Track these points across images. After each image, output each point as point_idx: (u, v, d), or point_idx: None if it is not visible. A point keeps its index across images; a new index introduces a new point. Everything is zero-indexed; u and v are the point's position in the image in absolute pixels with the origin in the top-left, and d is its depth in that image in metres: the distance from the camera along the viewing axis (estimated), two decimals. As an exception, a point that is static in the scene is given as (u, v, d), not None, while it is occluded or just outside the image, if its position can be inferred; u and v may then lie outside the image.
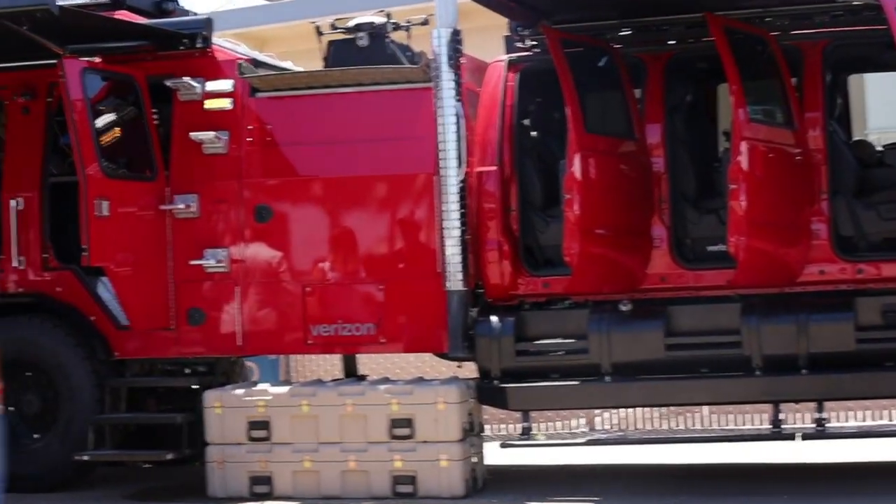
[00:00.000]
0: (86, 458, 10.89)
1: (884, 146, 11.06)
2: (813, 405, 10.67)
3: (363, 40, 11.26)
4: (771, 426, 10.85)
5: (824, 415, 10.77)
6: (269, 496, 10.40)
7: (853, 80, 11.15)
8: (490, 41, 11.49)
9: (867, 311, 9.84)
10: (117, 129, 11.16)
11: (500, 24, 11.23)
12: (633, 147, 10.48)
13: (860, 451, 11.60)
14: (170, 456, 10.91)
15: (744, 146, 9.52)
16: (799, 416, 11.70)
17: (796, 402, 10.68)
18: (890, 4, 9.13)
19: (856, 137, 11.27)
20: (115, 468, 11.59)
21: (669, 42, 10.81)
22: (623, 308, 10.35)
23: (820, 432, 10.84)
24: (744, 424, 12.63)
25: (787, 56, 10.23)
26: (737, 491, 10.18)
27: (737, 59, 9.65)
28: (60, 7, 10.05)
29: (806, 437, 10.91)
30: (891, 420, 12.17)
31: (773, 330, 9.96)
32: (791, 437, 10.65)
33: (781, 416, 10.60)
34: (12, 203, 11.11)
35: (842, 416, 12.38)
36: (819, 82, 10.33)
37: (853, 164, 10.50)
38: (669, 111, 10.67)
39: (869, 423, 12.27)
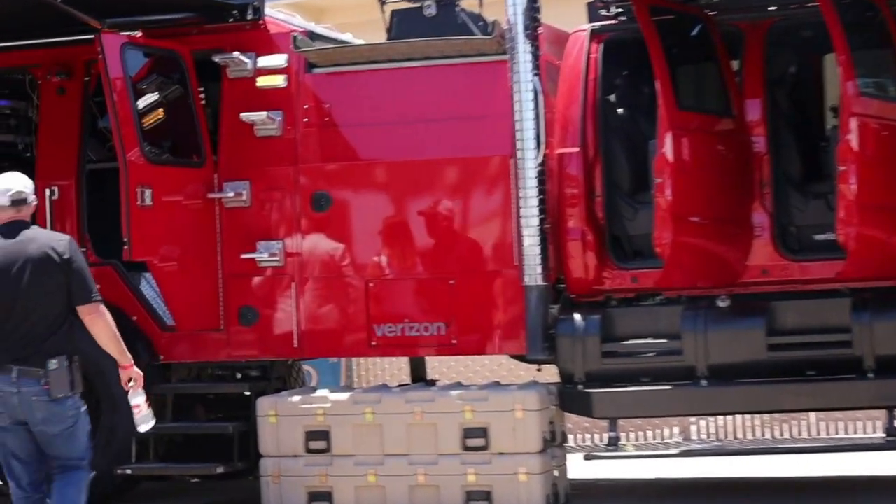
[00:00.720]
0: (129, 471, 10.86)
1: None
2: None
3: (430, 9, 11.10)
4: (885, 434, 10.68)
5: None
6: None
7: None
8: (571, 9, 11.38)
9: None
10: (161, 111, 11.07)
11: (575, -2, 11.03)
12: (731, 125, 10.31)
13: None
14: (220, 469, 10.82)
15: (853, 123, 9.41)
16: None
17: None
18: None
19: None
20: (160, 483, 11.62)
21: (770, 8, 10.56)
22: (720, 304, 10.21)
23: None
24: (855, 433, 12.44)
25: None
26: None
27: (846, 26, 9.45)
28: None
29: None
30: None
31: (888, 327, 9.76)
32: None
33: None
34: (46, 192, 10.94)
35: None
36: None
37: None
38: (771, 85, 10.52)
39: None
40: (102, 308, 8.41)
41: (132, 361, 8.31)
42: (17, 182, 8.54)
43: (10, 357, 8.03)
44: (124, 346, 8.35)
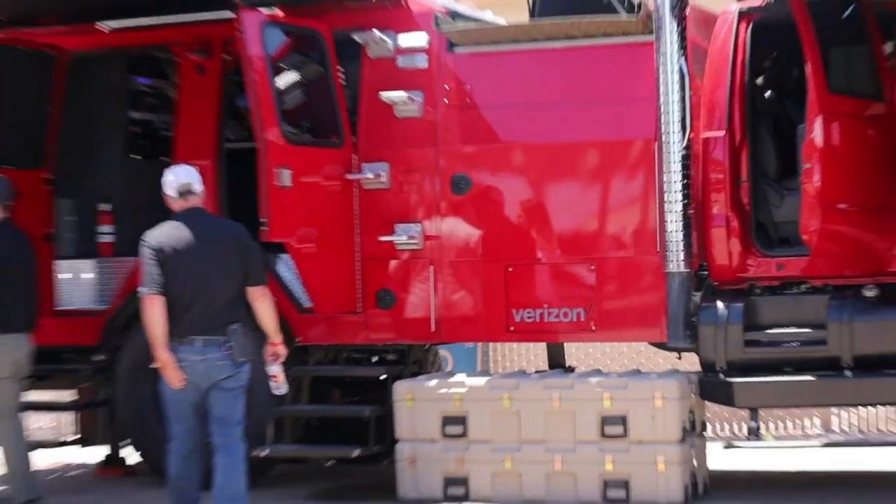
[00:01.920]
0: (264, 454, 10.92)
1: None
2: None
3: None
4: None
5: None
6: (465, 499, 10.49)
7: None
8: None
9: None
10: (300, 91, 11.11)
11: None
12: (883, 110, 10.22)
13: None
14: (356, 453, 10.89)
15: None
16: None
17: None
18: None
19: None
20: (295, 465, 11.81)
21: None
22: (868, 293, 10.09)
23: None
24: None
25: None
26: None
27: None
28: None
29: None
30: None
31: None
32: None
33: None
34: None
35: None
36: None
37: None
38: None
39: None
40: (268, 290, 9.30)
41: (282, 339, 9.15)
42: (183, 173, 9.43)
43: (195, 329, 8.84)
44: (278, 325, 9.16)
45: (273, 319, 9.32)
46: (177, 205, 9.27)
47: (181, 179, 9.31)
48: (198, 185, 9.43)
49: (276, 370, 9.39)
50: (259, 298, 9.24)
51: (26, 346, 10.21)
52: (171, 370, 8.87)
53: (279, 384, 9.46)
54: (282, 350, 9.35)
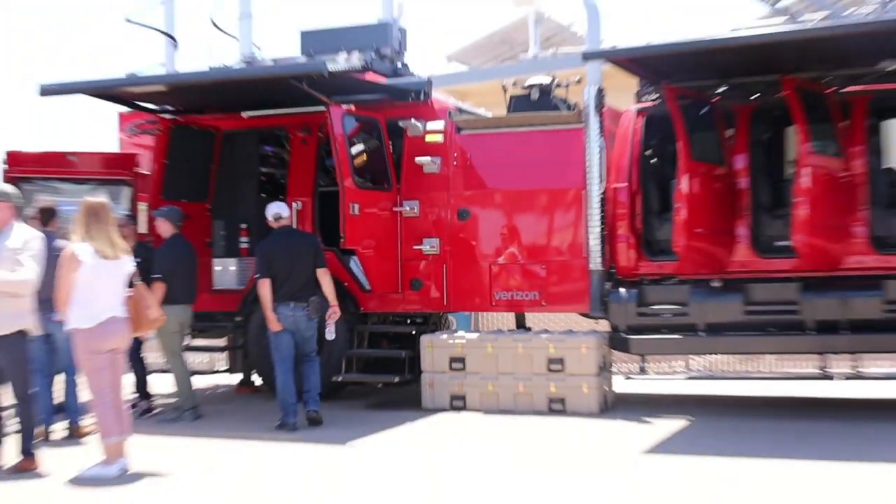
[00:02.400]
0: (339, 379, 11.14)
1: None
2: (850, 356, 10.66)
3: (535, 95, 11.42)
4: (819, 370, 10.90)
5: (859, 363, 10.77)
6: (463, 409, 10.58)
7: (888, 123, 10.97)
8: (624, 96, 11.27)
9: (892, 290, 9.62)
10: (365, 155, 11.18)
11: (631, 84, 11.11)
12: (724, 171, 10.36)
13: (887, 389, 11.52)
14: (396, 379, 11.09)
15: (806, 170, 9.40)
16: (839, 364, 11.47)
17: (838, 352, 10.54)
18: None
19: (887, 165, 11.07)
20: (358, 386, 11.79)
21: (753, 96, 10.58)
22: (714, 285, 10.30)
23: (856, 375, 10.84)
24: (797, 367, 12.41)
25: (841, 105, 10.08)
26: (792, 416, 10.11)
27: (803, 107, 9.51)
28: (330, 70, 10.19)
29: (848, 377, 10.93)
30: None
31: (824, 302, 9.81)
32: (831, 377, 10.66)
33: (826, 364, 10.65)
34: (294, 205, 11.24)
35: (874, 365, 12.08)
36: (862, 124, 10.12)
37: (886, 184, 10.30)
38: (751, 145, 10.56)
39: (892, 370, 12.02)
40: (328, 270, 9.96)
41: (337, 303, 9.93)
42: (278, 207, 10.13)
43: (287, 297, 9.58)
44: (335, 293, 9.90)
45: (332, 288, 9.95)
46: (274, 225, 10.04)
47: (274, 211, 10.06)
48: (285, 213, 10.19)
49: (330, 322, 9.92)
50: (322, 275, 9.89)
51: (188, 313, 10.42)
52: (273, 322, 9.61)
53: (330, 331, 9.95)
54: (337, 309, 9.97)
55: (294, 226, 11.07)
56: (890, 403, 10.95)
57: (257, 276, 9.88)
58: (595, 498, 6.67)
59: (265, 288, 9.64)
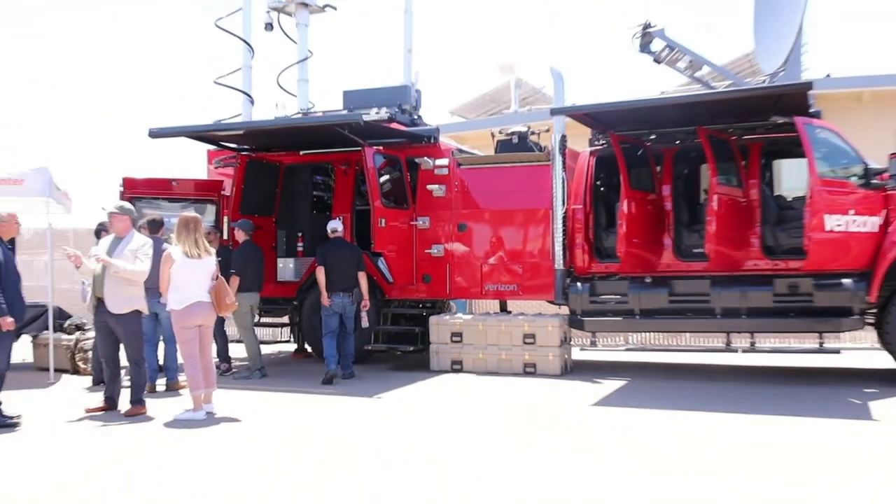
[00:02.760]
0: (369, 348, 11.12)
1: (791, 198, 10.87)
2: (748, 334, 10.59)
3: (515, 139, 11.41)
4: (725, 344, 10.84)
5: (755, 340, 10.70)
6: (461, 371, 10.50)
7: (778, 161, 10.93)
8: (581, 140, 11.17)
9: (779, 286, 9.56)
10: (390, 183, 11.18)
11: (586, 132, 11.03)
12: (655, 197, 10.34)
13: (776, 360, 11.53)
14: (412, 348, 11.08)
15: (715, 197, 9.38)
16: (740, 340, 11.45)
17: (739, 332, 10.47)
18: (800, 121, 9.08)
19: (776, 193, 11.02)
20: (384, 354, 11.60)
21: (676, 141, 10.52)
22: (647, 281, 10.22)
23: (751, 348, 10.78)
24: (708, 342, 12.39)
25: (741, 148, 10.03)
26: (705, 379, 10.04)
27: (713, 150, 9.50)
28: (364, 121, 10.31)
29: (744, 351, 10.88)
30: (791, 344, 11.88)
31: (728, 294, 9.74)
32: (735, 350, 10.61)
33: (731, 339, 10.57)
34: (339, 218, 10.89)
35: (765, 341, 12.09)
36: (757, 162, 10.08)
37: (774, 207, 10.26)
38: (675, 178, 10.51)
39: (780, 345, 12.01)
40: (365, 274, 9.95)
41: (369, 297, 9.94)
42: (335, 223, 10.20)
43: (336, 288, 9.72)
44: (368, 291, 9.92)
45: (366, 286, 9.99)
46: (331, 236, 10.07)
47: (332, 226, 10.12)
48: (339, 228, 10.19)
49: (363, 314, 10.03)
50: (361, 277, 9.92)
51: (256, 298, 10.40)
52: (327, 301, 9.67)
53: (365, 321, 10.09)
54: (367, 302, 10.07)
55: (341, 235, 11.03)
56: (777, 370, 10.88)
57: (318, 267, 10.05)
58: (556, 429, 6.61)
59: (322, 276, 9.81)
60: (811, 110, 9.63)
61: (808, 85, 9.31)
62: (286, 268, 12.18)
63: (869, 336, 11.97)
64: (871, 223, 9.09)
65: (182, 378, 9.01)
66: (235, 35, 13.23)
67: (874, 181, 9.15)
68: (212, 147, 12.42)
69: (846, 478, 5.27)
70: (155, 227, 9.32)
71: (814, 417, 7.29)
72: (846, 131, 9.57)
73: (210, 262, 7.84)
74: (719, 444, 6.29)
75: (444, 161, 11.23)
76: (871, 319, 9.79)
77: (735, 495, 4.91)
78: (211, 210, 11.87)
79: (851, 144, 9.35)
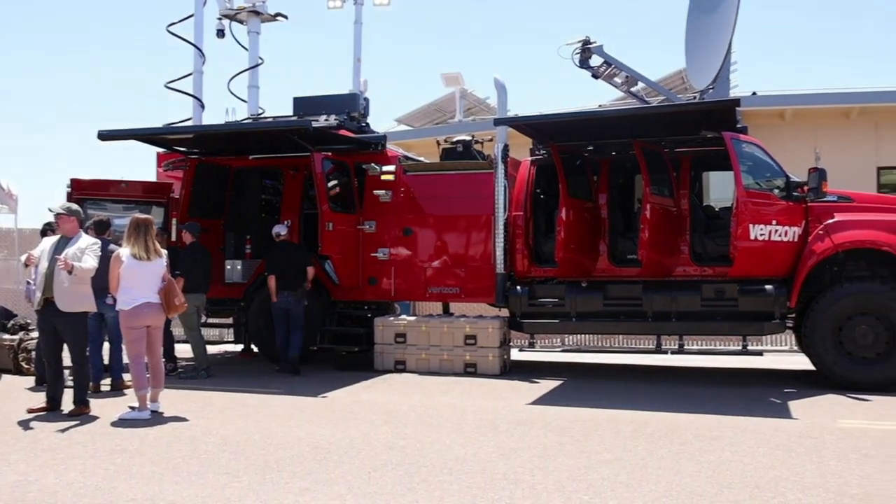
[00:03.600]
0: (314, 348, 11.06)
1: (719, 208, 11.10)
2: (677, 336, 10.73)
3: (460, 148, 11.42)
4: (656, 346, 10.94)
5: (684, 342, 10.85)
6: (404, 371, 10.46)
7: (706, 173, 11.16)
8: (523, 150, 11.21)
9: (707, 291, 9.71)
10: (338, 188, 11.04)
11: (527, 142, 11.08)
12: (591, 205, 10.42)
13: (701, 361, 11.71)
14: (356, 349, 11.00)
15: (648, 206, 9.50)
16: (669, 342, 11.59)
17: (668, 334, 10.61)
18: (727, 136, 9.27)
19: (705, 203, 11.25)
20: (328, 353, 11.39)
21: (612, 153, 10.62)
22: (583, 285, 10.27)
23: (680, 350, 10.91)
24: (640, 344, 12.54)
25: (673, 160, 10.18)
26: (636, 378, 10.20)
27: (646, 162, 9.62)
28: (314, 127, 10.23)
29: (673, 352, 11.00)
30: (716, 346, 12.09)
31: (659, 298, 9.85)
32: (665, 352, 10.72)
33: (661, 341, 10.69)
34: (286, 222, 10.96)
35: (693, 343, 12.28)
36: (687, 174, 10.25)
37: (703, 217, 10.48)
38: (611, 187, 10.62)
39: (706, 346, 12.21)
40: (312, 269, 10.18)
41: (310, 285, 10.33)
42: (279, 227, 10.41)
43: (285, 287, 10.02)
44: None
45: (312, 276, 10.39)
46: (277, 239, 10.23)
47: (276, 230, 10.26)
48: (283, 231, 10.29)
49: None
50: (310, 270, 10.27)
51: (203, 299, 10.23)
52: (276, 298, 9.99)
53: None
54: (309, 285, 10.44)
55: (286, 237, 10.93)
56: (704, 371, 11.08)
57: (266, 272, 10.32)
58: (499, 427, 6.60)
59: (272, 282, 10.20)
60: (738, 126, 9.89)
61: (736, 102, 9.56)
62: (234, 269, 12.01)
63: (789, 339, 12.29)
64: (792, 233, 9.35)
65: (127, 378, 8.80)
66: (186, 41, 13.03)
67: (795, 194, 9.40)
68: (161, 150, 12.16)
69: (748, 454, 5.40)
70: (101, 228, 9.10)
71: (737, 416, 7.43)
72: (769, 146, 9.85)
73: (160, 264, 7.68)
74: (647, 434, 6.36)
75: (390, 167, 11.14)
76: (790, 323, 10.04)
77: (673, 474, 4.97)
78: (159, 212, 11.61)
79: (774, 158, 9.58)
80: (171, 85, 12.96)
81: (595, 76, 11.63)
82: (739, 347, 10.89)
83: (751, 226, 9.13)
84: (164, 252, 7.84)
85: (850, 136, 17.66)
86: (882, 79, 53.83)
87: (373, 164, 11.15)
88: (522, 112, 13.99)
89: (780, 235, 9.27)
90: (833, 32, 59.80)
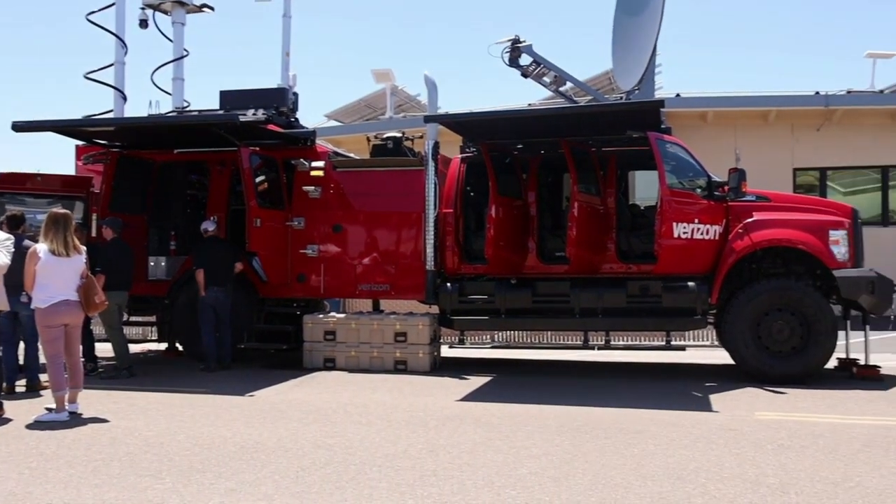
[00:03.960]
0: (242, 346, 10.94)
1: (644, 207, 11.31)
2: (604, 332, 10.93)
3: (390, 145, 11.35)
4: (583, 342, 11.19)
5: (610, 338, 11.07)
6: (333, 368, 10.37)
7: (632, 172, 11.40)
8: (453, 147, 11.23)
9: (632, 288, 9.88)
10: (266, 183, 10.92)
11: (458, 139, 11.07)
12: (521, 203, 10.49)
13: (627, 356, 11.94)
14: (284, 347, 10.95)
15: (576, 204, 9.61)
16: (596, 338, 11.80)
17: (595, 330, 10.77)
18: (652, 136, 9.47)
19: (631, 201, 11.47)
20: (256, 352, 11.43)
21: (541, 151, 10.68)
22: (512, 282, 10.33)
23: (607, 345, 11.15)
24: (568, 340, 12.70)
25: (600, 159, 10.33)
26: (564, 374, 10.31)
27: (574, 160, 9.74)
28: (241, 121, 10.08)
29: (600, 348, 11.23)
30: (641, 341, 12.37)
31: (586, 295, 9.95)
32: (592, 347, 10.92)
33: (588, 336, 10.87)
34: (212, 218, 10.82)
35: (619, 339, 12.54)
36: (614, 173, 10.42)
37: (628, 215, 10.69)
38: (539, 185, 10.71)
39: (632, 342, 12.47)
40: (241, 265, 10.29)
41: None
42: (208, 223, 10.43)
43: (214, 282, 10.07)
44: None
45: (239, 269, 10.40)
46: (205, 235, 10.10)
47: (204, 226, 10.18)
48: (211, 227, 10.25)
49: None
50: (238, 266, 10.27)
51: (125, 297, 10.01)
52: (204, 292, 9.93)
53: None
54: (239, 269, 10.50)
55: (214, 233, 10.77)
56: (629, 366, 11.31)
57: (195, 266, 10.23)
58: (429, 423, 6.61)
59: (201, 276, 10.11)
60: (662, 126, 10.17)
61: (660, 103, 9.80)
62: (158, 266, 11.70)
63: (711, 334, 12.63)
64: (713, 231, 9.61)
65: (44, 378, 8.46)
66: (108, 30, 12.63)
67: (716, 193, 9.66)
68: (81, 143, 11.78)
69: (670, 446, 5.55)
70: (15, 223, 8.72)
71: (661, 410, 7.62)
72: (692, 146, 10.10)
73: (79, 261, 7.44)
74: (574, 429, 6.46)
75: (320, 163, 11.01)
76: (712, 319, 10.33)
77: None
78: (79, 207, 11.25)
79: (697, 159, 9.84)
80: (91, 76, 12.56)
81: (524, 75, 11.75)
82: (663, 343, 11.24)
83: (674, 224, 9.34)
84: (84, 248, 7.60)
85: (768, 138, 18.34)
86: (798, 83, 56.00)
87: (302, 160, 11.00)
88: (453, 110, 14.06)
89: (702, 234, 9.51)
90: (754, 35, 61.87)
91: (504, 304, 10.25)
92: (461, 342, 11.63)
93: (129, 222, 10.72)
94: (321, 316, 10.77)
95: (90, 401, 7.83)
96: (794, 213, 9.73)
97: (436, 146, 10.53)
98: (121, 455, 5.86)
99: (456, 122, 10.56)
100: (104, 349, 10.78)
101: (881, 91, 19.04)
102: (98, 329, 11.07)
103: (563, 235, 10.16)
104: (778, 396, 8.46)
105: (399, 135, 11.58)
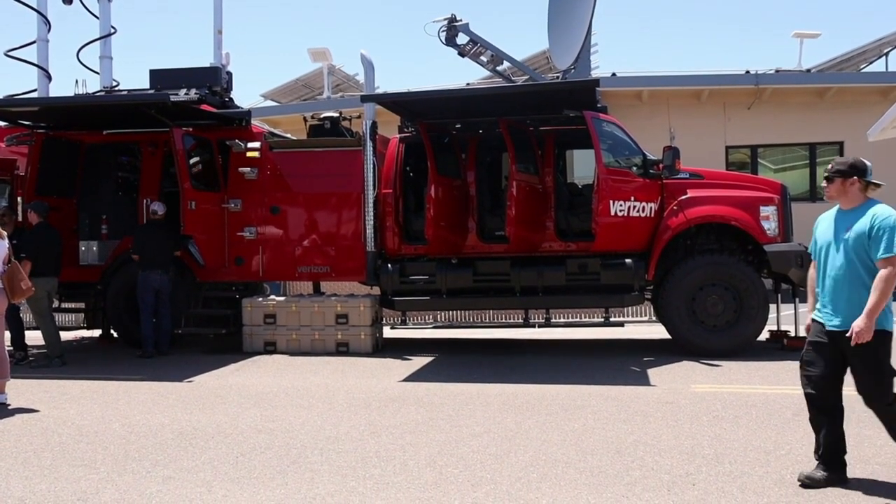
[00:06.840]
0: (180, 331, 10.74)
1: (582, 185, 11.41)
2: (544, 310, 11.02)
3: (328, 125, 11.19)
4: (524, 320, 11.27)
5: (550, 316, 11.17)
6: (274, 352, 10.29)
7: (570, 151, 11.47)
8: (391, 127, 11.22)
9: (571, 266, 9.98)
10: (200, 165, 10.80)
11: (396, 119, 11.06)
12: (460, 182, 10.44)
13: (567, 333, 12.10)
14: (224, 331, 10.80)
15: (514, 183, 9.61)
16: (537, 316, 11.90)
17: (536, 308, 10.83)
18: (588, 115, 9.55)
19: (569, 180, 11.54)
20: (195, 337, 11.27)
21: (479, 130, 10.66)
22: (453, 262, 10.34)
23: (547, 323, 11.25)
24: (509, 318, 12.77)
25: (538, 138, 10.35)
26: (506, 352, 10.44)
27: (512, 140, 9.71)
28: (172, 101, 9.89)
29: (540, 326, 11.34)
30: (581, 318, 12.54)
31: (526, 274, 10.02)
32: (533, 325, 11.00)
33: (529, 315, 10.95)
34: (145, 202, 10.73)
35: (560, 316, 12.67)
36: (551, 152, 10.45)
37: (567, 194, 10.74)
38: (478, 165, 10.67)
39: (571, 319, 12.64)
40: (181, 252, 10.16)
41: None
42: (157, 205, 10.36)
43: (153, 266, 10.03)
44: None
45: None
46: (153, 217, 10.23)
47: (153, 208, 10.14)
48: (160, 210, 10.12)
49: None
50: (177, 254, 10.15)
51: (54, 283, 9.75)
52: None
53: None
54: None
55: (144, 217, 10.66)
56: (569, 343, 11.47)
57: (133, 253, 10.16)
58: (371, 405, 6.60)
59: (138, 259, 10.13)
60: (598, 105, 10.23)
61: (595, 82, 9.88)
62: (89, 251, 11.38)
63: (648, 310, 12.90)
64: (649, 209, 9.76)
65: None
66: (28, 5, 12.13)
67: (652, 171, 9.81)
68: (3, 123, 11.39)
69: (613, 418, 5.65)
70: (-66, 208, 8.38)
71: (600, 385, 7.74)
72: (628, 125, 10.24)
73: (2, 246, 7.19)
74: (515, 406, 6.53)
75: (255, 144, 10.82)
76: (649, 295, 10.51)
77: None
78: (3, 190, 10.89)
79: (632, 137, 9.97)
80: (12, 53, 12.12)
81: (461, 54, 11.72)
82: (602, 319, 11.40)
83: (611, 202, 9.46)
84: (5, 234, 7.36)
85: (702, 117, 18.69)
86: (730, 61, 57.19)
87: (237, 141, 10.80)
88: (392, 89, 13.94)
89: (638, 211, 9.65)
90: (688, 15, 62.91)
91: (445, 284, 10.25)
92: (403, 323, 11.60)
93: (57, 206, 10.45)
94: (261, 299, 10.66)
95: (20, 391, 7.62)
96: (727, 190, 9.93)
97: (374, 126, 10.43)
98: (52, 445, 5.70)
99: (393, 102, 10.46)
100: (35, 337, 10.49)
101: (808, 70, 19.58)
102: (28, 317, 10.77)
103: (502, 215, 10.19)
104: (713, 369, 8.68)
105: (336, 115, 11.42)
